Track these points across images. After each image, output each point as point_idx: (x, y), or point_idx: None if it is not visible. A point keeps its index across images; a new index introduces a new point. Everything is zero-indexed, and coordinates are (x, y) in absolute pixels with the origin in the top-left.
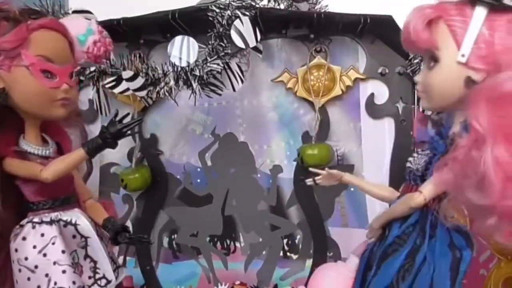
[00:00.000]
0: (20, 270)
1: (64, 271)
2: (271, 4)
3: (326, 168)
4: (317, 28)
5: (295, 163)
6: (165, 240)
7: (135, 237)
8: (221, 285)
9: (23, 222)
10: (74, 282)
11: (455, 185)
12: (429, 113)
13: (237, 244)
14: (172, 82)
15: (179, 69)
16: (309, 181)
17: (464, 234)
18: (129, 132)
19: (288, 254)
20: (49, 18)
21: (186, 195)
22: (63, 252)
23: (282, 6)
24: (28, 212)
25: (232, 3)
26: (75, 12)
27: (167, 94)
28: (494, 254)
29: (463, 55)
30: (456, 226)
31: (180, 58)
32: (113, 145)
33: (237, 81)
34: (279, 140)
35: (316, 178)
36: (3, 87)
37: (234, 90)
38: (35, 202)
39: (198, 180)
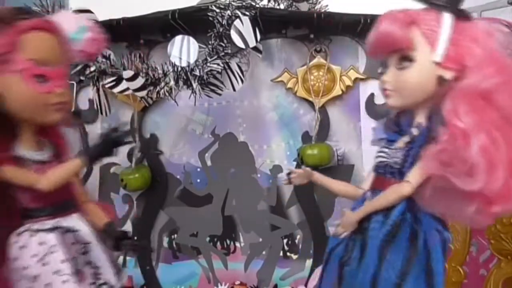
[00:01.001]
0: (20, 280)
1: (64, 281)
2: (271, 4)
3: (303, 166)
4: (317, 28)
5: (295, 163)
6: (165, 240)
7: (137, 244)
8: (221, 285)
9: (20, 230)
10: None
11: (440, 173)
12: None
13: (237, 244)
14: (172, 82)
15: (179, 69)
16: (284, 180)
17: (439, 218)
18: (126, 140)
19: (288, 254)
20: (38, 18)
21: (186, 195)
22: (63, 261)
23: (282, 6)
24: (25, 220)
25: (232, 3)
26: (75, 12)
27: (167, 94)
28: (494, 254)
29: (439, 55)
30: (431, 212)
31: (180, 58)
32: (112, 153)
33: (237, 81)
34: (279, 140)
35: (292, 175)
36: None
37: (234, 90)
38: (33, 209)
39: (198, 180)
